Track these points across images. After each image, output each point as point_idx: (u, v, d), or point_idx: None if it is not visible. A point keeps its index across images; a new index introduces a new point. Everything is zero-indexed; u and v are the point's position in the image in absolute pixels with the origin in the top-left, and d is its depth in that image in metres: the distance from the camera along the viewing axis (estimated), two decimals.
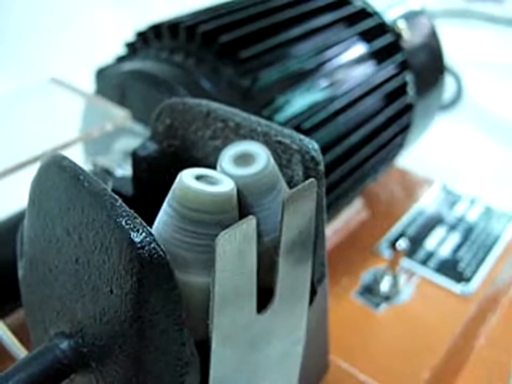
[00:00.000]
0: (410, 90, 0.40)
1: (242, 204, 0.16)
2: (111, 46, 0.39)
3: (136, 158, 0.20)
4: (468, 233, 0.40)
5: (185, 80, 0.32)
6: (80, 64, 0.44)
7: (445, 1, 0.80)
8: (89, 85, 0.37)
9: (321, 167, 0.17)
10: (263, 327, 0.17)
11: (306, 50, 0.36)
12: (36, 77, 0.38)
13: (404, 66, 0.40)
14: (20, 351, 0.22)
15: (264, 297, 0.16)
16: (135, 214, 0.14)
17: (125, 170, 0.29)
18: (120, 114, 0.32)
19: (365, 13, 0.40)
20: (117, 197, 0.15)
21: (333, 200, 0.34)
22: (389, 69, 0.39)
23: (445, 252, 0.38)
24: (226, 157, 0.16)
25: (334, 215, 0.36)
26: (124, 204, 0.14)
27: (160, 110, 0.20)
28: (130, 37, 0.37)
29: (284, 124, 0.31)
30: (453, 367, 0.30)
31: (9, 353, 0.22)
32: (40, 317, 0.18)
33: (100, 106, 0.33)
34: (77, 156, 0.35)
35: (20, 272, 0.19)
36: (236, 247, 0.14)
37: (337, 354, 0.28)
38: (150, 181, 0.20)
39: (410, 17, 0.43)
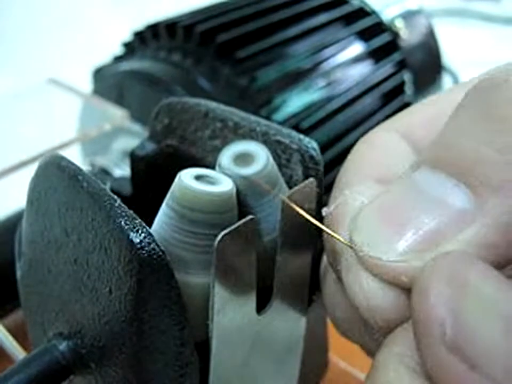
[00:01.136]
0: (408, 89, 0.40)
1: (242, 204, 0.16)
2: (110, 46, 0.39)
3: (134, 158, 0.20)
4: None
5: (183, 80, 0.32)
6: (79, 64, 0.44)
7: (442, 1, 0.81)
8: (88, 84, 0.37)
9: (321, 166, 0.17)
10: (263, 327, 0.17)
11: (304, 50, 0.36)
12: (34, 77, 0.38)
13: (401, 65, 0.40)
14: (18, 352, 0.21)
15: (264, 297, 0.16)
16: (134, 215, 0.14)
17: (123, 170, 0.29)
18: (118, 114, 0.32)
19: (362, 12, 0.40)
20: (116, 197, 0.14)
21: None
22: (386, 68, 0.39)
23: None
24: (226, 157, 0.16)
25: None
26: (123, 204, 0.14)
27: (158, 109, 0.20)
28: (128, 36, 0.37)
29: (282, 123, 0.31)
30: None
31: (8, 355, 0.22)
32: (39, 317, 0.18)
33: (98, 106, 0.33)
34: (75, 156, 0.35)
35: (19, 273, 0.19)
36: (235, 247, 0.14)
37: (336, 353, 0.28)
38: (149, 181, 0.20)
39: (407, 16, 0.43)
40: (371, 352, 0.17)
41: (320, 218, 0.17)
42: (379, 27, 0.40)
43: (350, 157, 0.18)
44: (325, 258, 0.18)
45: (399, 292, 0.13)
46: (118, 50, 0.38)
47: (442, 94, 0.18)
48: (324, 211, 0.16)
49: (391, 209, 0.13)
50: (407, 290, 0.13)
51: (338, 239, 0.15)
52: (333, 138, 0.34)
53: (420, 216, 0.13)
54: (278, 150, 0.17)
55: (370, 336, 0.16)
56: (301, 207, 0.16)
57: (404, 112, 0.18)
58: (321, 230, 0.15)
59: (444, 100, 0.17)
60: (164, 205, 0.15)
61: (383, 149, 0.17)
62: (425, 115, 0.17)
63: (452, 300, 0.11)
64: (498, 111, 0.12)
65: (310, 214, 0.16)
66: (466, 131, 0.13)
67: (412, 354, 0.12)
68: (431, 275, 0.12)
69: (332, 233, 0.15)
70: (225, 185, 0.15)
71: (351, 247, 0.14)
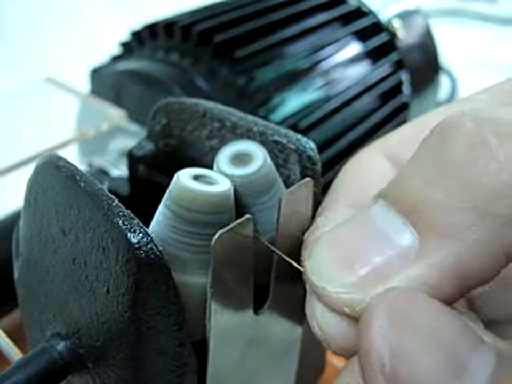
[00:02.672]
0: (406, 89, 0.40)
1: (239, 204, 0.16)
2: (108, 46, 0.39)
3: (132, 158, 0.20)
4: None
5: (181, 80, 0.32)
6: (77, 63, 0.44)
7: (440, 1, 0.81)
8: (86, 84, 0.36)
9: (318, 166, 0.17)
10: (260, 327, 0.17)
11: (301, 50, 0.36)
12: (32, 76, 0.38)
13: (399, 65, 0.40)
14: (15, 353, 0.21)
15: (261, 296, 0.16)
16: (132, 215, 0.14)
17: (120, 170, 0.29)
18: (115, 114, 0.32)
19: (360, 12, 0.41)
20: (113, 197, 0.14)
21: None
22: (384, 68, 0.39)
23: None
24: (223, 157, 0.16)
25: None
26: (120, 204, 0.14)
27: (156, 109, 0.20)
28: (125, 36, 0.37)
29: (280, 123, 0.31)
30: None
31: (5, 356, 0.22)
32: (36, 317, 0.18)
33: (96, 106, 0.33)
34: (73, 156, 0.35)
35: (16, 273, 0.19)
36: (232, 247, 0.14)
37: (333, 354, 0.28)
38: (147, 181, 0.20)
39: (405, 16, 0.43)
40: None
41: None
42: (376, 27, 0.40)
43: (336, 179, 0.18)
44: None
45: (350, 321, 0.13)
46: (116, 50, 0.38)
47: (432, 113, 0.18)
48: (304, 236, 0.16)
49: (342, 241, 0.14)
50: (357, 320, 0.13)
51: (297, 266, 0.15)
52: (330, 138, 0.34)
53: (367, 251, 0.13)
54: (275, 150, 0.17)
55: None
56: (298, 207, 0.16)
57: (392, 132, 0.18)
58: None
59: (433, 120, 0.17)
60: (161, 205, 0.15)
61: (368, 171, 0.17)
62: (411, 135, 0.17)
63: (390, 333, 0.11)
64: (450, 155, 0.12)
65: (307, 215, 0.16)
66: (419, 171, 0.13)
67: (360, 383, 0.12)
68: (373, 309, 0.12)
69: (292, 262, 0.15)
70: (223, 185, 0.15)
71: (305, 275, 0.14)
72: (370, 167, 0.17)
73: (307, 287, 0.14)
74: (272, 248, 0.16)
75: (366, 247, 0.13)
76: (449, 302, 0.12)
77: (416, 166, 0.13)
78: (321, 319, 0.14)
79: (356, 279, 0.13)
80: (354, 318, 0.13)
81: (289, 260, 0.16)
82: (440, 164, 0.12)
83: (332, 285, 0.13)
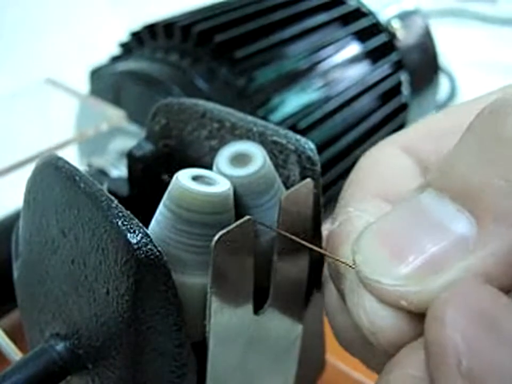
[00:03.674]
0: (405, 89, 0.40)
1: (239, 204, 0.16)
2: (107, 46, 0.39)
3: (131, 158, 0.20)
4: None
5: (180, 80, 0.32)
6: (76, 64, 0.44)
7: (439, 1, 0.81)
8: (85, 85, 0.36)
9: (318, 167, 0.17)
10: (260, 327, 0.17)
11: (301, 50, 0.36)
12: (31, 77, 0.38)
13: (398, 65, 0.40)
14: (15, 353, 0.21)
15: (261, 297, 0.16)
16: (132, 215, 0.14)
17: (120, 170, 0.29)
18: (115, 115, 0.32)
19: (359, 13, 0.41)
20: (113, 197, 0.14)
21: (329, 200, 0.34)
22: (383, 68, 0.39)
23: None
24: (223, 157, 0.16)
25: (330, 215, 0.36)
26: (120, 205, 0.14)
27: (155, 110, 0.20)
28: (125, 36, 0.37)
29: (279, 123, 0.31)
30: None
31: (5, 355, 0.22)
32: (36, 318, 0.18)
33: (95, 106, 0.33)
34: (72, 156, 0.35)
35: (15, 274, 0.19)
36: (232, 248, 0.14)
37: (334, 355, 0.28)
38: (146, 181, 0.20)
39: (404, 16, 0.43)
40: (371, 366, 0.17)
41: (317, 222, 0.17)
42: (376, 28, 0.40)
43: (353, 173, 0.17)
44: (325, 270, 0.18)
45: (402, 314, 0.13)
46: (115, 50, 0.38)
47: (448, 110, 0.18)
48: (327, 228, 0.16)
49: (392, 232, 0.13)
50: (410, 312, 0.13)
51: (338, 260, 0.14)
52: (330, 139, 0.34)
53: (421, 240, 0.12)
54: (275, 150, 0.17)
55: (372, 353, 0.16)
56: (298, 208, 0.16)
57: (408, 128, 0.18)
58: (322, 248, 0.15)
59: (450, 116, 0.17)
60: (161, 206, 0.15)
61: (386, 164, 0.17)
62: (430, 130, 0.17)
63: (466, 328, 0.11)
64: (504, 136, 0.12)
65: (307, 216, 0.16)
66: (470, 155, 0.12)
67: (423, 376, 0.12)
68: (445, 303, 0.11)
69: (329, 255, 0.15)
70: (222, 186, 0.15)
71: (352, 268, 0.14)
72: (389, 160, 0.17)
73: (349, 279, 0.14)
74: (288, 235, 0.15)
75: (418, 237, 0.12)
76: (504, 292, 0.12)
77: (465, 150, 0.13)
78: (370, 310, 0.13)
79: (410, 270, 0.12)
80: (409, 311, 0.12)
81: (312, 246, 0.15)
82: (493, 146, 0.12)
83: (386, 277, 0.13)
